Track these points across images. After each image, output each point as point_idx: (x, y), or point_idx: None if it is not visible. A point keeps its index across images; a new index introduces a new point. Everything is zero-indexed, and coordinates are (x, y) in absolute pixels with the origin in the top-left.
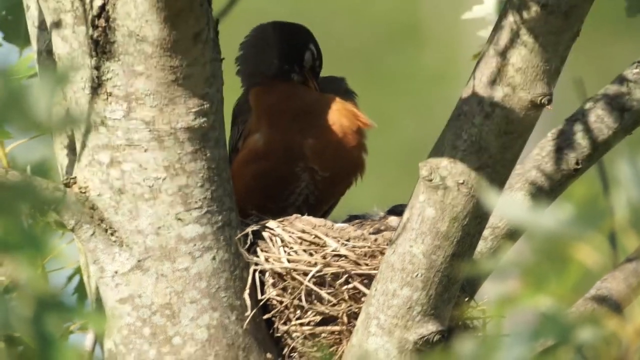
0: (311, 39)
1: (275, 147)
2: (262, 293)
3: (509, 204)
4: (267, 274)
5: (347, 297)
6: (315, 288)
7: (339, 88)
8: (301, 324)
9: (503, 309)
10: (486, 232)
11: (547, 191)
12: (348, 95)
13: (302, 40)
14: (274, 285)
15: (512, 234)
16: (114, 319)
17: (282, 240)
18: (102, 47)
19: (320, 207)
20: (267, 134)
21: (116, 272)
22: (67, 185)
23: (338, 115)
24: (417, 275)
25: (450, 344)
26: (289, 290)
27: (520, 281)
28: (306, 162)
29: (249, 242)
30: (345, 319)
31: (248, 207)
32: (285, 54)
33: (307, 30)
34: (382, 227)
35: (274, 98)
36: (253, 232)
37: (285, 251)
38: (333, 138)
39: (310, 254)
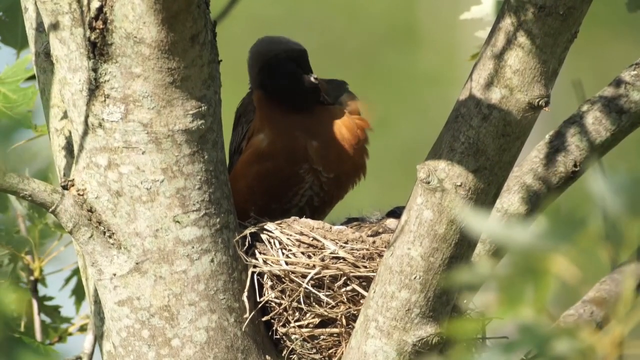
0: (268, 57)
1: (279, 147)
2: (261, 295)
3: (485, 220)
4: (265, 276)
5: (345, 300)
6: (313, 290)
7: (342, 91)
8: (300, 326)
9: (481, 323)
10: (484, 235)
11: (544, 194)
12: (351, 96)
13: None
14: (272, 287)
15: None
16: (112, 321)
17: (280, 243)
18: (99, 49)
19: (324, 209)
20: (271, 134)
21: (114, 275)
22: (64, 187)
23: (341, 119)
24: (415, 277)
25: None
26: (288, 293)
27: (497, 296)
28: (310, 163)
29: (247, 244)
30: (344, 321)
31: (251, 208)
32: (263, 83)
33: (269, 48)
34: (380, 230)
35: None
36: (251, 234)
37: (283, 253)
38: (337, 141)
39: (309, 256)
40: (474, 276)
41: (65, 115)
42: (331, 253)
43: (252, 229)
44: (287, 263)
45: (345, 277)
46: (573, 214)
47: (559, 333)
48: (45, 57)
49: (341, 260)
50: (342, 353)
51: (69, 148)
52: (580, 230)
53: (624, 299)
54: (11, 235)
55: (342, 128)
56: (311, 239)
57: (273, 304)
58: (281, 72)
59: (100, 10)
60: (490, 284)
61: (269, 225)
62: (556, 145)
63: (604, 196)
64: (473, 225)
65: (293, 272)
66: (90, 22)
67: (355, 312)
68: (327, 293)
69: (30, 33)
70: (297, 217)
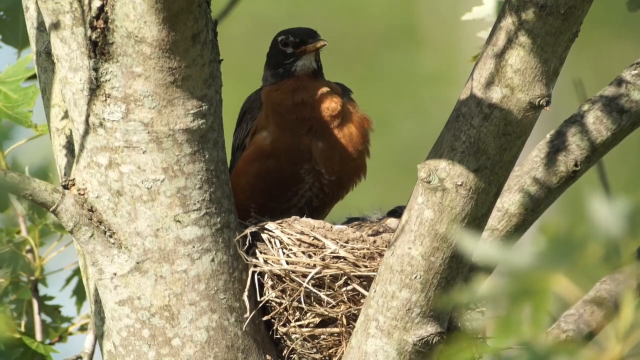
0: (279, 34)
1: (282, 146)
2: (261, 295)
3: (484, 246)
4: (266, 276)
5: (346, 299)
6: (314, 290)
7: (344, 94)
8: (300, 326)
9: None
10: (485, 234)
11: (545, 193)
12: (352, 104)
13: (272, 44)
14: (273, 287)
15: (509, 237)
16: (113, 320)
17: (281, 242)
18: (100, 49)
19: (324, 209)
20: (275, 132)
21: (115, 274)
22: (65, 187)
23: (350, 117)
24: (415, 277)
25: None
26: (288, 292)
27: (495, 321)
28: (313, 164)
29: (247, 243)
30: (344, 321)
31: (251, 205)
32: (270, 61)
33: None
34: (381, 229)
35: (280, 94)
36: (252, 233)
37: (284, 253)
38: (343, 141)
39: (309, 256)
40: (471, 297)
41: (66, 115)
42: (332, 252)
43: (253, 229)
44: (287, 262)
45: (345, 277)
46: (572, 236)
47: (558, 351)
48: (46, 56)
49: (342, 260)
50: (343, 352)
51: (69, 147)
52: (579, 252)
53: (624, 318)
54: (11, 235)
55: (352, 127)
56: (312, 238)
57: (273, 304)
58: (281, 41)
59: (101, 9)
60: (488, 303)
61: (270, 225)
62: (557, 145)
63: (605, 221)
64: (468, 249)
65: (294, 272)
66: (92, 21)
67: (355, 311)
68: (328, 292)
69: (31, 32)
70: (298, 217)
